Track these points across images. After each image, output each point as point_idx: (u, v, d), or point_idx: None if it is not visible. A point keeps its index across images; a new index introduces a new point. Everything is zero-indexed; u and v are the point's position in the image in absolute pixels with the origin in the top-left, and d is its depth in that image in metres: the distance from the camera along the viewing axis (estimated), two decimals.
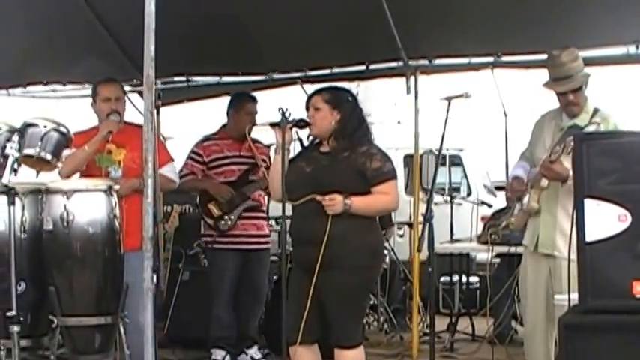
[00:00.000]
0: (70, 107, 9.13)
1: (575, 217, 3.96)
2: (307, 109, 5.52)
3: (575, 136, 4.18)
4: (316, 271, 5.15)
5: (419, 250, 5.45)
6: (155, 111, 5.09)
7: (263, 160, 7.59)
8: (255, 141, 7.65)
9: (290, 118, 5.41)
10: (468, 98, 5.70)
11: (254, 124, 7.58)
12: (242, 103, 7.68)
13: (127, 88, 9.20)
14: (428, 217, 5.27)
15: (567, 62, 5.57)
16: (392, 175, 5.45)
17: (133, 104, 9.11)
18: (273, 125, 5.44)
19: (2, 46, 8.35)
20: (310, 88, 7.75)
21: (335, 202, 5.16)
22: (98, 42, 8.18)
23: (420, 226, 7.82)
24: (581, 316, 3.95)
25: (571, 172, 5.28)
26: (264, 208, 7.90)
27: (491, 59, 7.71)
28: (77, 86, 9.26)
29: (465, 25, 7.32)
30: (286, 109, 5.36)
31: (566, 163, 5.33)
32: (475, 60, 7.81)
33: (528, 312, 5.90)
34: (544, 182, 5.58)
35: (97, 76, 8.96)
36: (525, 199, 5.74)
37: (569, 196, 5.45)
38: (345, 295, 5.31)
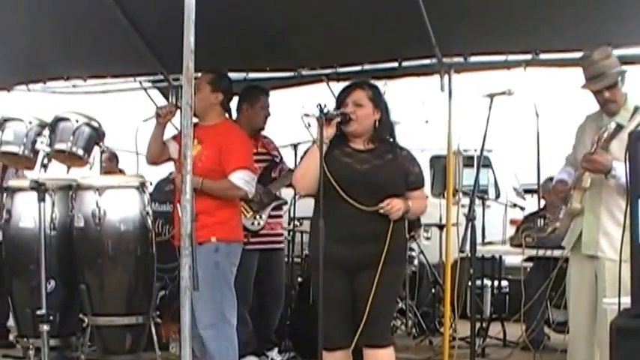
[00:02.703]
0: (91, 103, 9.13)
1: (628, 217, 3.92)
2: (342, 101, 5.46)
3: (630, 134, 4.15)
4: (379, 269, 5.14)
5: (462, 251, 5.42)
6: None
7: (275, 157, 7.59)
8: (264, 136, 7.69)
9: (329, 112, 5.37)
10: (510, 95, 5.68)
11: (267, 117, 7.58)
12: (257, 97, 7.59)
13: (146, 84, 9.28)
14: (471, 217, 5.26)
15: (599, 60, 5.60)
16: (424, 182, 5.62)
17: (153, 101, 9.17)
18: (319, 119, 5.38)
19: (21, 42, 8.36)
20: (336, 85, 7.75)
21: (399, 209, 5.21)
22: (122, 36, 8.17)
23: (454, 228, 7.93)
24: (633, 320, 3.92)
25: (614, 164, 5.35)
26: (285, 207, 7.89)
27: (529, 57, 7.64)
28: (98, 81, 9.26)
29: (502, 20, 7.24)
30: (325, 106, 5.33)
31: (609, 154, 5.37)
32: (512, 57, 7.73)
33: (571, 315, 5.87)
34: (586, 182, 5.58)
35: (118, 70, 9.11)
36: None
37: (613, 196, 5.50)
38: (385, 294, 5.29)
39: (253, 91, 7.69)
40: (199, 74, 8.40)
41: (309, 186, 5.42)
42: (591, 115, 5.87)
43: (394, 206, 5.20)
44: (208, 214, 5.64)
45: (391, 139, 5.51)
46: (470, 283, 6.07)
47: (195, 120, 6.02)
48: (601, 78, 5.57)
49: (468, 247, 5.33)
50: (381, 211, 5.18)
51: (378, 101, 5.46)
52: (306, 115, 5.42)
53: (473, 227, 5.31)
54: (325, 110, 5.29)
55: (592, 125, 5.78)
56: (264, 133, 7.72)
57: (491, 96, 5.68)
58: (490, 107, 5.66)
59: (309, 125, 5.49)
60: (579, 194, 5.65)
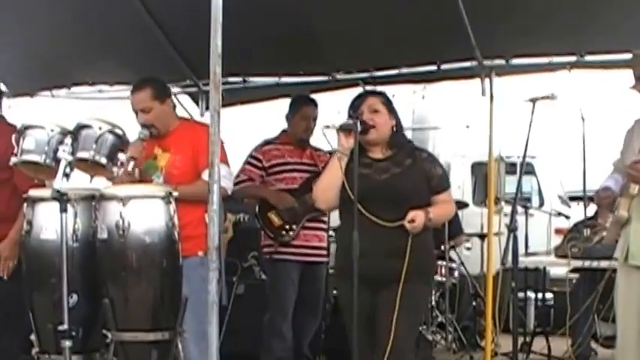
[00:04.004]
0: (117, 109, 9.10)
1: None
2: (355, 109, 5.39)
3: None
4: (401, 284, 5.07)
5: (503, 264, 5.33)
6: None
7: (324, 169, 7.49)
8: (316, 149, 7.59)
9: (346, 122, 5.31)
10: (554, 100, 5.59)
11: (311, 129, 7.48)
12: (298, 107, 7.53)
13: (175, 89, 9.23)
14: (513, 227, 5.16)
15: None
16: (450, 183, 5.54)
17: (183, 107, 9.13)
18: (341, 129, 5.31)
19: (45, 46, 8.37)
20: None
21: (421, 223, 5.13)
22: (149, 40, 8.14)
23: (495, 238, 7.83)
24: None
25: None
26: (326, 219, 7.79)
27: (573, 58, 7.52)
28: (125, 87, 9.22)
29: (545, 20, 7.12)
30: (360, 113, 5.28)
31: None
32: (556, 59, 7.61)
33: (620, 329, 5.75)
34: (633, 189, 5.47)
35: (146, 75, 9.06)
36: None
37: None
38: (413, 310, 5.26)
39: (297, 100, 7.66)
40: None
41: (330, 200, 5.41)
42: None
43: (416, 222, 5.12)
44: (193, 225, 5.60)
45: (412, 145, 5.51)
46: (512, 296, 5.96)
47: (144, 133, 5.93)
48: None
49: (509, 259, 5.24)
50: (407, 225, 5.12)
51: (392, 108, 5.44)
52: (327, 127, 5.36)
53: (515, 238, 5.22)
54: (360, 117, 5.26)
55: None
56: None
57: (534, 100, 5.60)
58: (532, 112, 5.57)
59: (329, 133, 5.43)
60: (627, 202, 5.54)
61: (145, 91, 6.02)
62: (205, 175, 5.57)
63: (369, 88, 8.01)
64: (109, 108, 9.16)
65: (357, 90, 8.43)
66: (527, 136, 5.53)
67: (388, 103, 5.43)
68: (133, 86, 6.10)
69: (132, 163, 5.70)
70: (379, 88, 6.54)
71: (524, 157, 5.63)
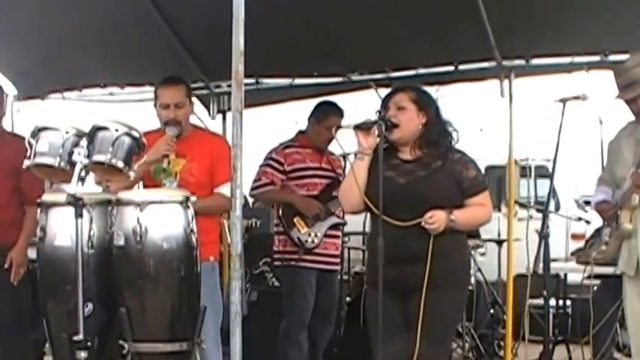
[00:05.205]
0: (128, 111, 9.00)
1: None
2: (385, 107, 5.24)
3: None
4: (424, 291, 4.93)
5: (535, 271, 5.20)
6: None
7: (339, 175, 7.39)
8: (331, 153, 7.52)
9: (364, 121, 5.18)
10: (585, 100, 5.47)
11: (332, 139, 7.34)
12: (325, 115, 7.37)
13: None
14: (544, 234, 5.02)
15: (633, 67, 5.49)
16: (486, 185, 5.32)
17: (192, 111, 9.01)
18: (358, 127, 5.16)
19: (56, 48, 8.32)
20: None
21: (439, 222, 4.95)
22: (160, 42, 8.06)
23: (515, 244, 7.67)
24: None
25: None
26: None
27: (596, 58, 7.36)
28: (136, 89, 9.11)
29: (566, 19, 7.01)
30: (383, 111, 5.11)
31: None
32: (578, 59, 7.45)
33: (633, 343, 5.71)
34: (635, 200, 5.40)
35: (157, 77, 8.96)
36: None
37: None
38: (443, 319, 5.11)
39: (324, 108, 7.52)
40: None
41: (353, 204, 5.24)
42: (626, 128, 5.72)
43: (433, 219, 4.94)
44: (205, 232, 5.47)
45: (448, 145, 5.27)
46: (547, 304, 5.83)
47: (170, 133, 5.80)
48: (635, 86, 5.42)
49: (531, 265, 5.13)
50: (425, 225, 4.94)
51: (424, 104, 5.24)
52: (339, 127, 5.24)
53: (547, 245, 5.09)
54: (383, 115, 5.11)
55: (629, 139, 5.62)
56: None
57: (564, 101, 5.49)
58: (563, 113, 5.45)
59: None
60: (628, 213, 5.48)
61: (180, 87, 5.98)
62: (222, 189, 5.62)
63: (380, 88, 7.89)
64: (119, 110, 9.05)
65: (372, 92, 8.31)
66: (557, 138, 5.44)
67: (420, 100, 5.23)
68: (165, 80, 6.03)
69: (166, 161, 5.67)
70: None
71: (555, 160, 5.52)
